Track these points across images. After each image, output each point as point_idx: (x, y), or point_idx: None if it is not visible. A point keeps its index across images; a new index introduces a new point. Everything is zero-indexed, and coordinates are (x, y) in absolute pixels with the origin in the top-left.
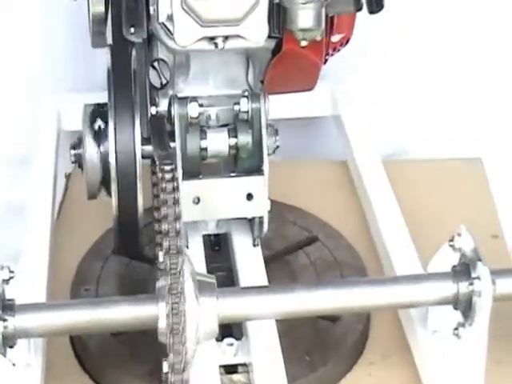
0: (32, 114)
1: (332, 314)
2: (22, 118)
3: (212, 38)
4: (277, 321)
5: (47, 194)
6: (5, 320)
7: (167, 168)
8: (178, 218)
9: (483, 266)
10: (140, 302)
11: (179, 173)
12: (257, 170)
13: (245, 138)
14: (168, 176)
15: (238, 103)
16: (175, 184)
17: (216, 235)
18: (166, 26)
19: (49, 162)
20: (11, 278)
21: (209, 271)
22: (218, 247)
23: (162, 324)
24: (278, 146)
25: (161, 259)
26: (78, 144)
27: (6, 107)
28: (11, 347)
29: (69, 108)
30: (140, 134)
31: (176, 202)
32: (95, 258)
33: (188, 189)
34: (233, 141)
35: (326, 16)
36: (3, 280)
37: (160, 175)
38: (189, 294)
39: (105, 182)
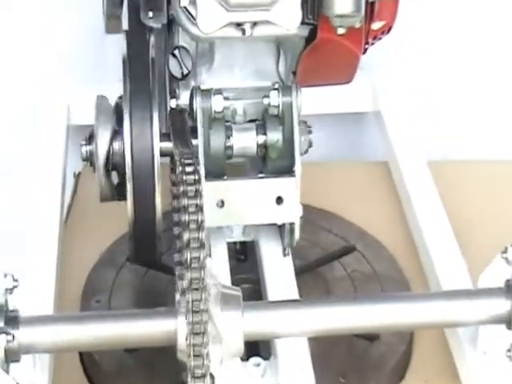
0: (39, 108)
1: (370, 332)
2: (28, 112)
3: (239, 24)
4: (309, 339)
5: (55, 196)
6: (8, 333)
7: (188, 168)
8: (200, 226)
9: None
10: (157, 315)
11: (202, 173)
12: (288, 171)
13: (275, 136)
14: (189, 177)
15: (268, 96)
16: (197, 186)
17: (242, 243)
18: (188, 10)
19: (57, 160)
20: (15, 287)
21: (233, 283)
22: (243, 256)
23: (182, 340)
24: (311, 145)
25: (180, 269)
26: (89, 139)
27: (11, 99)
28: (14, 362)
29: (79, 100)
30: (158, 130)
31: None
32: (108, 267)
33: (211, 191)
34: (261, 138)
35: (366, 1)
36: (6, 289)
37: (181, 175)
38: (211, 307)
39: (119, 182)
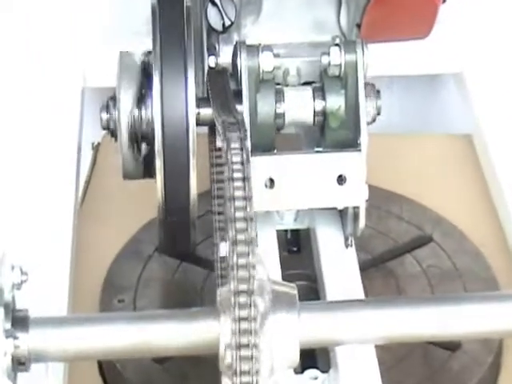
0: (49, 67)
1: (451, 339)
2: (38, 74)
3: None
4: (377, 347)
5: (68, 172)
6: (16, 337)
7: (233, 138)
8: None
9: None
10: (194, 317)
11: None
12: (351, 145)
13: (335, 101)
14: (235, 150)
15: (327, 54)
16: (244, 160)
17: (294, 231)
18: None
19: (71, 129)
20: (24, 281)
21: (284, 279)
22: (296, 247)
23: (225, 348)
24: (379, 113)
25: (222, 260)
26: (110, 104)
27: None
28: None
29: (97, 58)
30: (194, 93)
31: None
32: (132, 259)
33: (258, 168)
34: (319, 104)
35: None
36: (14, 284)
37: (225, 149)
38: (261, 307)
39: (147, 156)
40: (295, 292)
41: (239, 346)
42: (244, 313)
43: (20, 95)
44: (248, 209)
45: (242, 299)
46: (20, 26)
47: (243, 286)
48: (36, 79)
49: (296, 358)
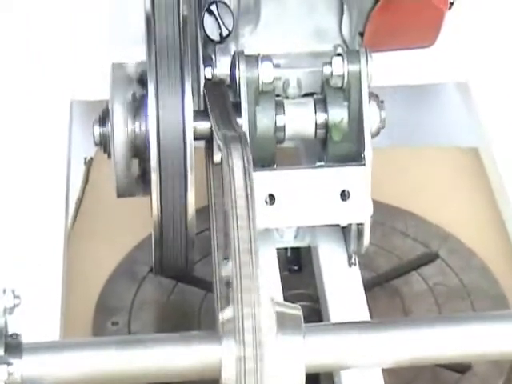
0: (36, 79)
1: (460, 361)
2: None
3: None
4: (384, 371)
5: (58, 189)
6: (9, 364)
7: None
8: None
9: None
10: (194, 340)
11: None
12: (354, 159)
13: (338, 113)
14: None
15: (329, 64)
16: (247, 176)
17: (295, 249)
18: None
19: (60, 144)
20: (16, 305)
21: (285, 300)
22: (297, 266)
23: (228, 373)
24: (383, 125)
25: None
26: (103, 119)
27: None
28: None
29: (86, 70)
30: (191, 106)
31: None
32: (126, 279)
33: (258, 183)
34: (321, 117)
35: None
36: (6, 308)
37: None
38: (267, 330)
39: (142, 172)
40: (300, 314)
41: (243, 371)
42: (248, 336)
43: (5, 107)
44: (251, 228)
45: (246, 323)
46: (5, 35)
47: (247, 310)
48: (22, 91)
49: (302, 383)
